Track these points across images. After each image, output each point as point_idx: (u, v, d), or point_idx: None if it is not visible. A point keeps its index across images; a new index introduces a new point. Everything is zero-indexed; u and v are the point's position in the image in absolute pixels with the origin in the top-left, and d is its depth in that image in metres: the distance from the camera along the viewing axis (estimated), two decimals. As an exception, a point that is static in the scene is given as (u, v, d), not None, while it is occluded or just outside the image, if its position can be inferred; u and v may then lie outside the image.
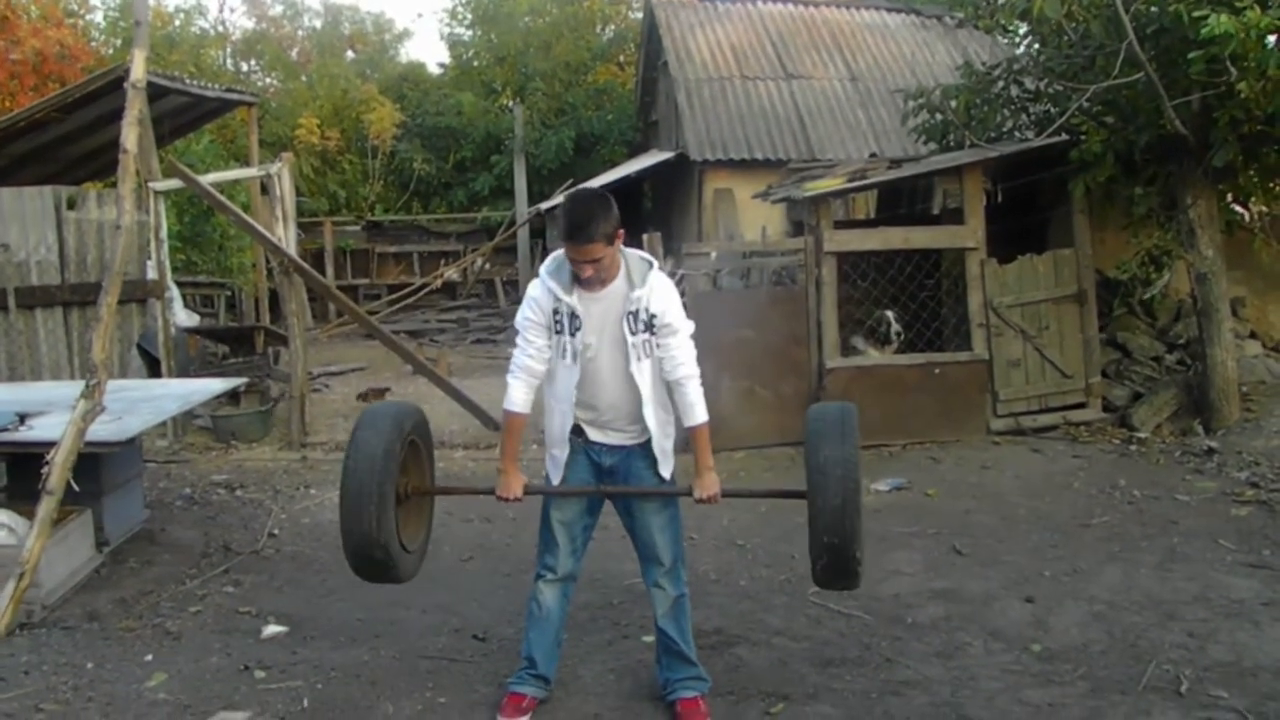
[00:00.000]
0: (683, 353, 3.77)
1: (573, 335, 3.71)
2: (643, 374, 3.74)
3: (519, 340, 3.83)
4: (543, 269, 3.80)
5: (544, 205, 17.59)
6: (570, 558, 3.93)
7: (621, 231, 3.65)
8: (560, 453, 3.86)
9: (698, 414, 3.80)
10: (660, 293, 3.71)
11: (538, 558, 3.99)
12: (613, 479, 3.86)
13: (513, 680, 3.99)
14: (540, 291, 3.76)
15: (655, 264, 3.79)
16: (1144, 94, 7.70)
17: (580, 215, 3.56)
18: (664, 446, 3.88)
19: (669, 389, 3.81)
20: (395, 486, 3.71)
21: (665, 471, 3.89)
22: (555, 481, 3.91)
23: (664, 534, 3.88)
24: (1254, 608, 4.85)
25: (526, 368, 3.79)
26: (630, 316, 3.70)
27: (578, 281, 3.66)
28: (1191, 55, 6.94)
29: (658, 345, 3.74)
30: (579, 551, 3.97)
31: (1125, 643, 4.51)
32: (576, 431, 3.84)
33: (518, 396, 3.80)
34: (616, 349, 3.72)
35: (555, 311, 3.73)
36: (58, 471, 4.66)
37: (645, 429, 3.80)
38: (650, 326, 3.72)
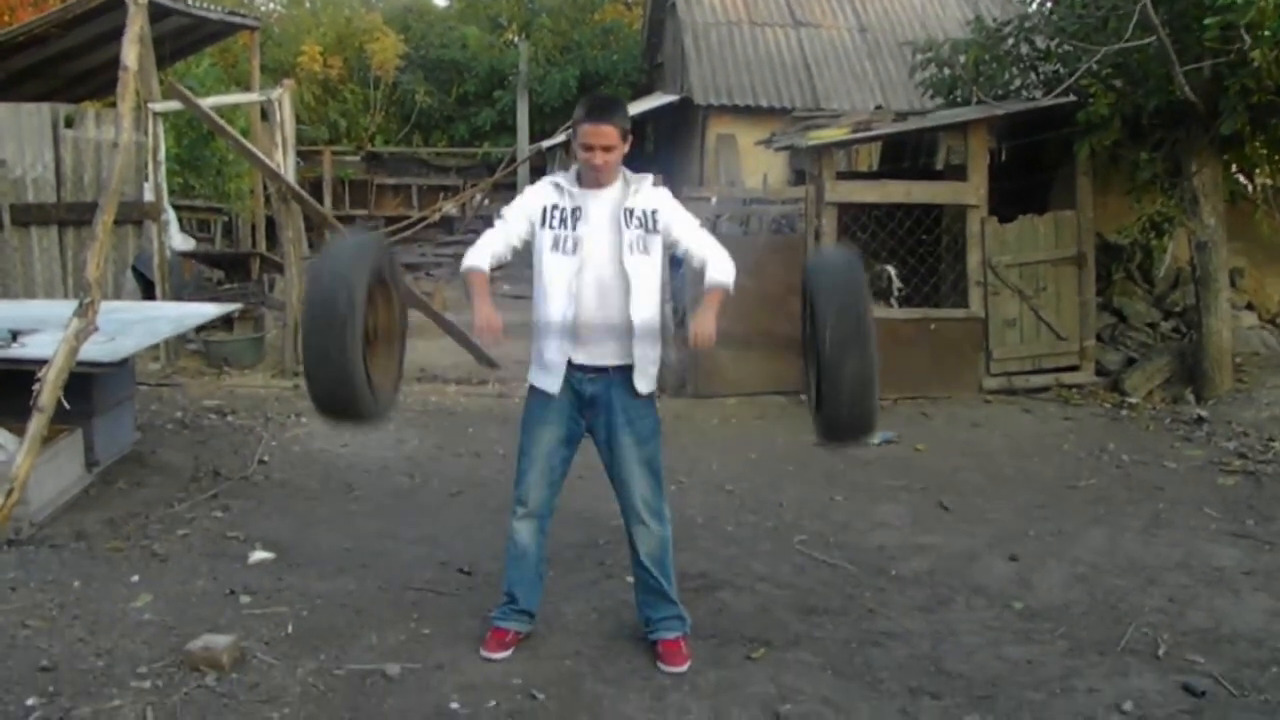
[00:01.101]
0: (709, 239, 3.87)
1: (573, 228, 3.73)
2: (635, 269, 3.71)
3: (495, 223, 3.84)
4: (546, 177, 3.89)
5: (545, 143, 17.46)
6: (545, 489, 3.89)
7: (631, 137, 3.77)
8: (552, 357, 3.76)
9: (722, 276, 3.78)
10: (660, 195, 3.81)
11: (514, 489, 3.95)
12: (594, 408, 3.81)
13: (495, 615, 4.00)
14: (540, 189, 3.85)
15: (654, 178, 3.87)
16: (1155, 58, 7.62)
17: (603, 99, 3.88)
18: (647, 369, 3.81)
19: (701, 268, 3.80)
20: (363, 322, 3.37)
21: (643, 387, 3.80)
22: (547, 387, 3.81)
23: (644, 468, 3.83)
24: (1235, 576, 4.89)
25: (489, 244, 3.80)
26: (625, 213, 3.74)
27: (579, 181, 3.77)
28: (1206, 21, 6.86)
29: (680, 241, 3.80)
30: (555, 485, 3.93)
31: (1106, 605, 4.55)
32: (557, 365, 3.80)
33: (477, 257, 3.77)
34: (611, 246, 3.71)
35: (555, 208, 3.76)
36: (49, 389, 4.65)
37: (629, 349, 3.73)
38: (646, 224, 3.75)
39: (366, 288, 3.36)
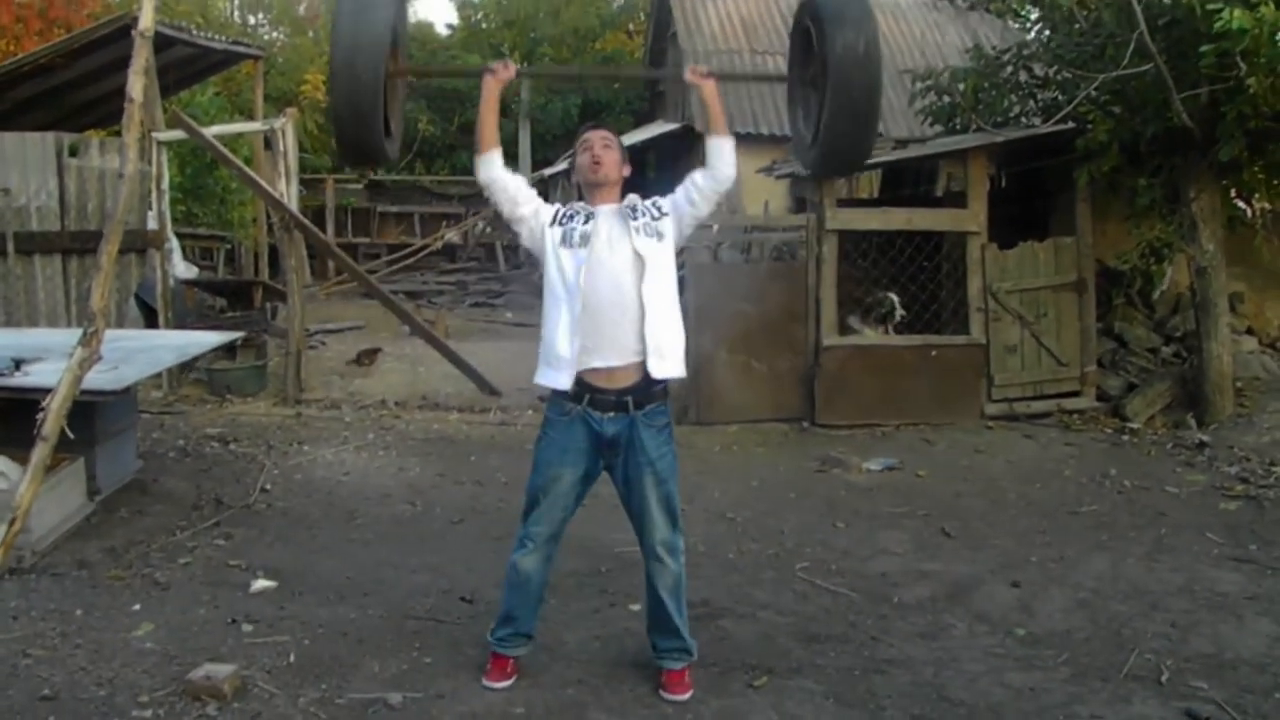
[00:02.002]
0: None
1: (583, 223, 3.76)
2: (648, 250, 3.71)
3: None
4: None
5: (547, 171, 17.52)
6: (556, 525, 3.87)
7: (629, 168, 3.89)
8: (562, 352, 3.73)
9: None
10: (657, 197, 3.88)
11: (521, 523, 3.90)
12: (614, 448, 3.75)
13: (494, 643, 3.94)
14: (553, 205, 3.92)
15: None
16: (1152, 85, 7.66)
17: (598, 123, 4.03)
18: (664, 355, 3.71)
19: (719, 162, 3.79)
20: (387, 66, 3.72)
21: (659, 371, 3.70)
22: (557, 385, 3.78)
23: (662, 507, 3.79)
24: (1237, 601, 4.87)
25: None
26: (629, 209, 3.79)
27: (580, 197, 3.89)
28: (1203, 49, 6.90)
29: (684, 185, 3.82)
30: (566, 520, 3.91)
31: (1109, 631, 4.54)
32: (575, 397, 3.74)
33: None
34: (620, 238, 3.72)
35: (566, 213, 3.81)
36: (52, 418, 4.67)
37: (645, 347, 3.66)
38: (652, 212, 3.79)
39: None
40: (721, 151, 3.76)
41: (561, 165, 15.72)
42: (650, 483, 3.77)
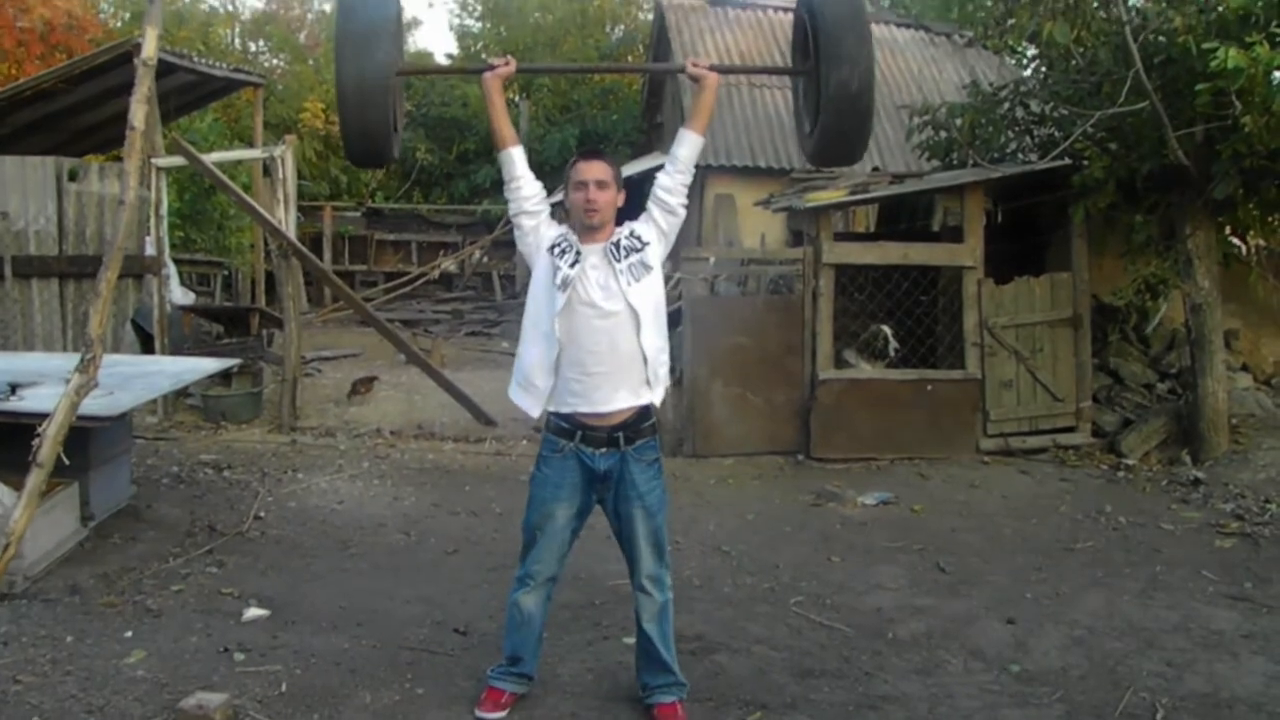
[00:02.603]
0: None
1: (570, 266, 3.72)
2: (640, 300, 3.70)
3: None
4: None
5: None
6: (555, 563, 3.90)
7: (623, 195, 3.86)
8: (544, 384, 3.78)
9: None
10: (637, 221, 3.85)
11: (520, 562, 3.93)
12: (605, 483, 3.80)
13: (493, 675, 3.97)
14: (557, 227, 3.90)
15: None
16: (1148, 123, 7.72)
17: (595, 147, 4.04)
18: (659, 388, 3.80)
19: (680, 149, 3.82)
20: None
21: (656, 398, 3.80)
22: (526, 407, 3.86)
23: (649, 542, 3.84)
24: (1233, 639, 4.86)
25: None
26: (613, 247, 3.75)
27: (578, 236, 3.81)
28: (1198, 87, 6.96)
29: (658, 193, 3.81)
30: (565, 555, 3.94)
31: (1104, 668, 4.53)
32: (567, 434, 3.79)
33: None
34: (612, 295, 3.70)
35: (564, 244, 3.79)
36: (48, 444, 4.65)
37: (649, 389, 3.74)
38: (634, 244, 3.76)
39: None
40: (690, 145, 3.81)
41: (558, 196, 15.74)
42: (640, 517, 3.81)
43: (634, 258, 3.74)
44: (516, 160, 3.87)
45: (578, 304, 3.70)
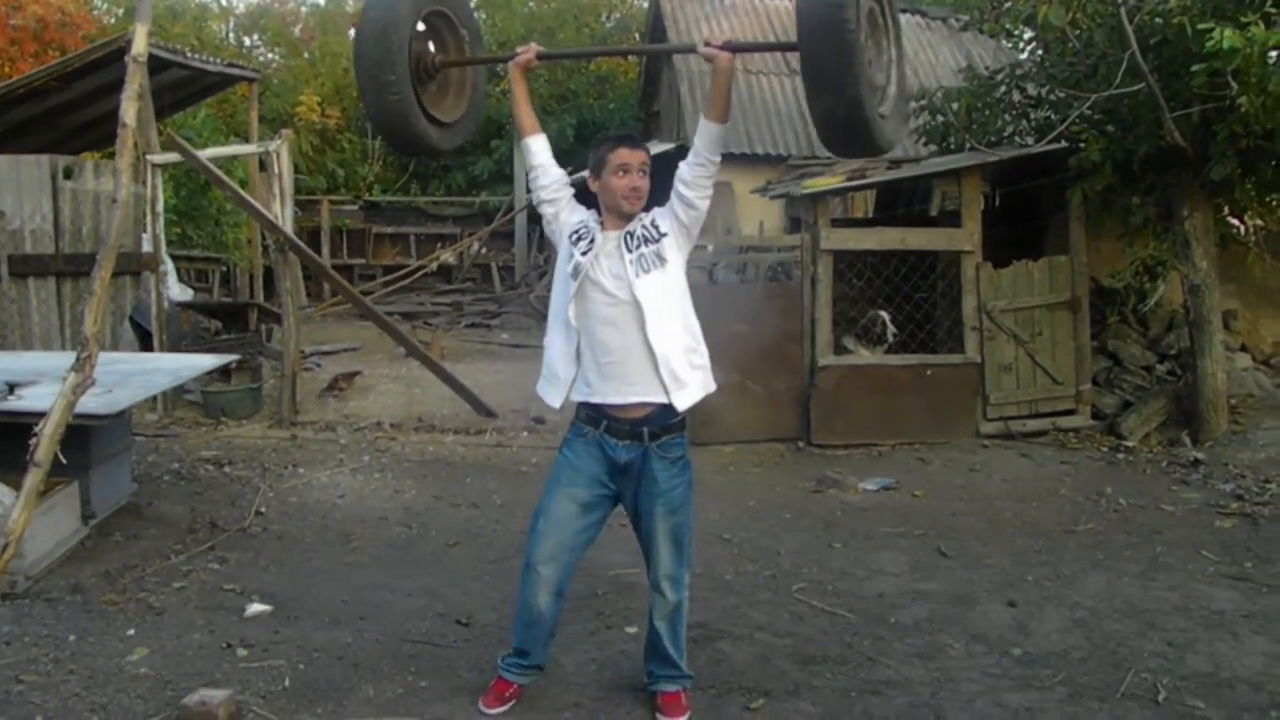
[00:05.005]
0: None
1: (584, 254, 3.66)
2: (646, 293, 3.61)
3: None
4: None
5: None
6: (561, 552, 3.77)
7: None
8: (565, 374, 3.71)
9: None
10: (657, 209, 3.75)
11: (527, 548, 3.83)
12: (625, 476, 3.72)
13: (503, 666, 3.90)
14: (585, 211, 3.83)
15: None
16: (1144, 104, 7.71)
17: (633, 134, 3.88)
18: (683, 389, 3.66)
19: (698, 139, 3.66)
20: (410, 52, 3.84)
21: (683, 402, 3.66)
22: (549, 399, 3.79)
23: (669, 539, 3.77)
24: (1234, 619, 4.87)
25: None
26: (627, 237, 3.67)
27: (602, 225, 3.74)
28: (1194, 68, 6.95)
29: (680, 188, 3.67)
30: (577, 552, 3.83)
31: (1105, 650, 4.53)
32: (594, 422, 3.72)
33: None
34: (619, 285, 3.63)
35: (585, 230, 3.73)
36: (45, 444, 4.65)
37: (663, 386, 3.62)
38: (650, 236, 3.67)
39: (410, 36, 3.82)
40: (711, 134, 3.62)
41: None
42: (660, 514, 3.73)
43: (647, 249, 3.66)
44: (534, 149, 3.85)
45: (590, 289, 3.65)
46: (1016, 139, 9.47)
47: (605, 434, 3.71)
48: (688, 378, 3.68)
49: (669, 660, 3.88)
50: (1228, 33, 6.56)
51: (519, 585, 3.86)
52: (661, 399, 3.65)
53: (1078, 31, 8.07)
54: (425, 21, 4.00)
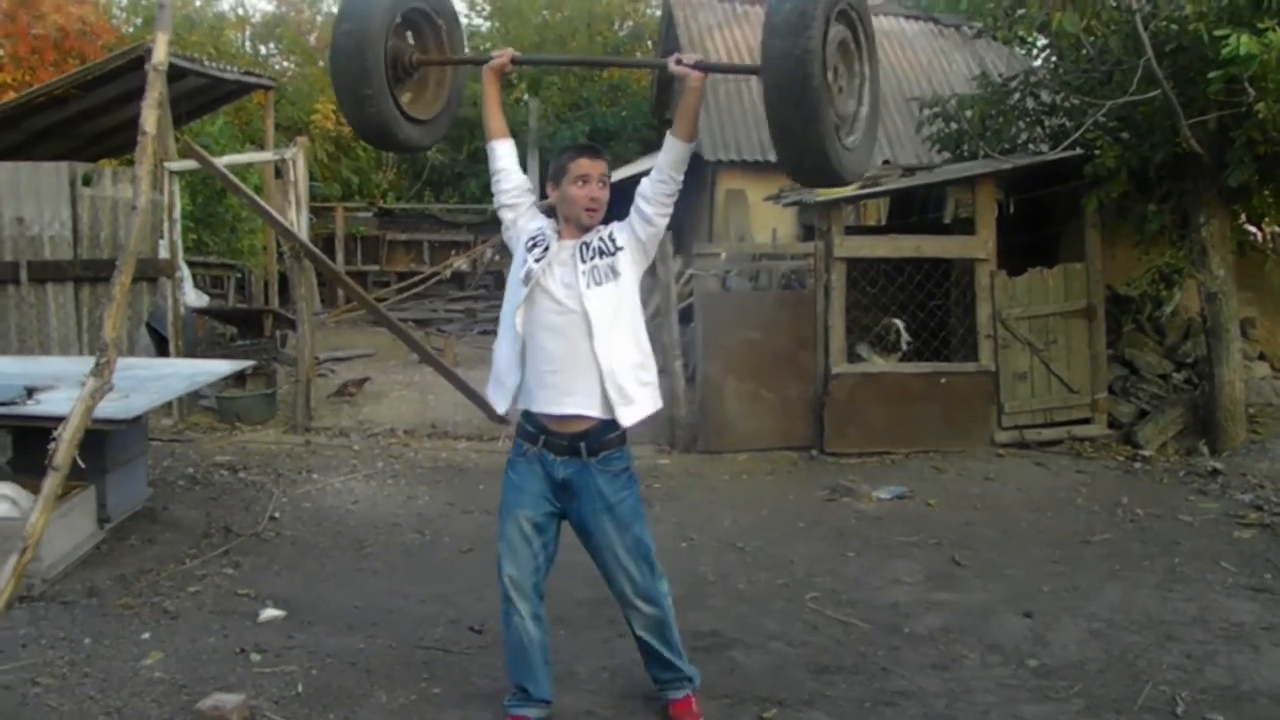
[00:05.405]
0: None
1: (538, 261, 3.60)
2: (595, 306, 3.53)
3: None
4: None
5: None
6: (528, 573, 3.67)
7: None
8: (510, 379, 3.65)
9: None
10: (616, 224, 3.70)
11: (497, 571, 3.73)
12: (568, 493, 3.64)
13: (510, 704, 3.79)
14: (543, 219, 3.79)
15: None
16: (1160, 111, 7.68)
17: (594, 144, 3.80)
18: (626, 404, 3.56)
19: (662, 155, 3.58)
20: (387, 57, 3.80)
21: (626, 419, 3.56)
22: (497, 402, 3.74)
23: (630, 554, 3.66)
24: (1254, 631, 4.83)
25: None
26: (582, 248, 3.61)
27: (559, 234, 3.70)
28: (1210, 75, 6.92)
29: (640, 203, 3.61)
30: (541, 570, 3.72)
31: (1123, 661, 4.50)
32: (532, 438, 3.65)
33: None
34: (569, 296, 3.56)
35: (541, 238, 3.67)
36: (65, 448, 4.65)
37: (607, 401, 3.53)
38: (605, 248, 3.61)
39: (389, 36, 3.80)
40: (675, 152, 3.55)
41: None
42: (610, 529, 3.63)
43: (601, 261, 3.59)
44: (499, 153, 3.83)
45: (539, 296, 3.58)
46: (1031, 146, 9.45)
47: (544, 449, 3.62)
48: (635, 394, 3.59)
49: (668, 664, 3.82)
50: (1244, 38, 6.54)
51: (501, 614, 3.77)
52: (601, 414, 3.56)
53: (1092, 38, 8.05)
54: (402, 17, 3.93)
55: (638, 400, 3.60)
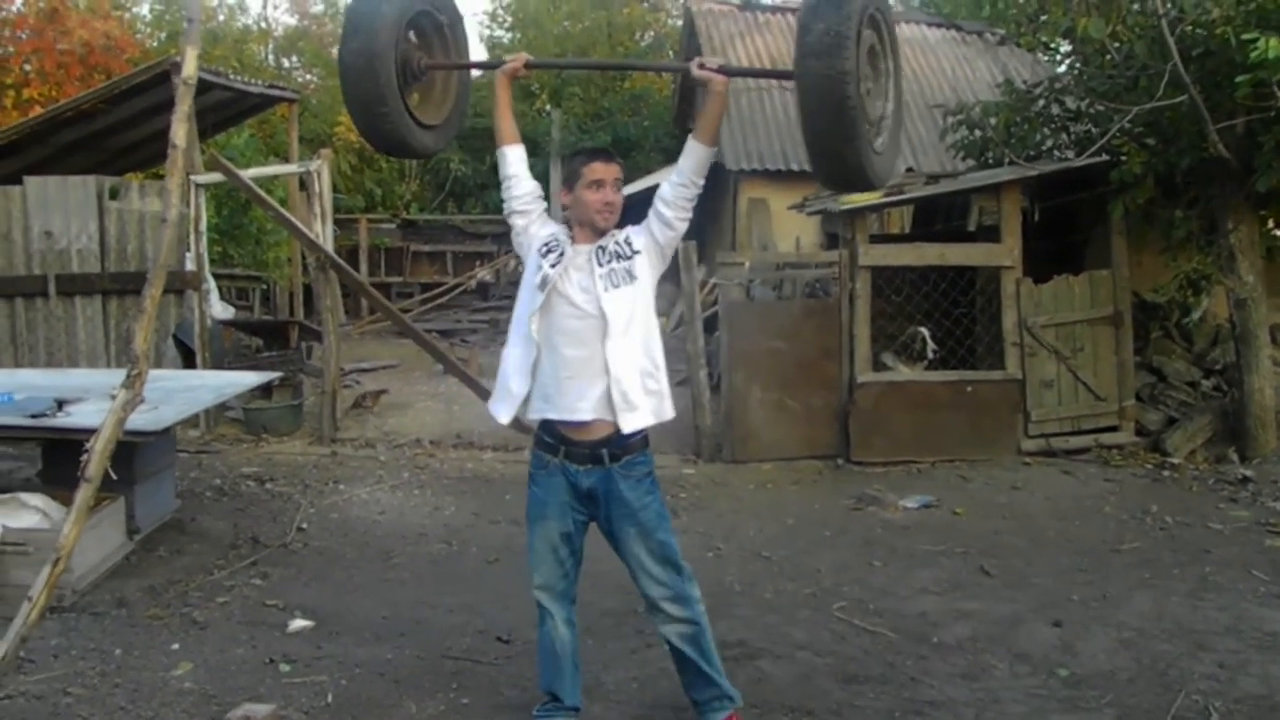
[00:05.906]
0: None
1: (553, 266, 3.59)
2: (613, 308, 3.51)
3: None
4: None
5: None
6: (558, 579, 3.71)
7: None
8: (519, 388, 3.63)
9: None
10: (632, 227, 3.68)
11: (531, 576, 3.77)
12: (592, 501, 3.62)
13: (539, 715, 3.82)
14: (555, 225, 3.78)
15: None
16: (1187, 116, 7.62)
17: (607, 149, 3.81)
18: (634, 410, 3.54)
19: (684, 159, 3.59)
20: (398, 56, 3.76)
21: (629, 425, 3.53)
22: (498, 415, 3.70)
23: (655, 559, 3.64)
24: (1286, 640, 4.79)
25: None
26: (599, 251, 3.60)
27: (572, 238, 3.67)
28: (1238, 79, 6.87)
29: (660, 206, 3.60)
30: (571, 576, 3.75)
31: (1154, 671, 4.46)
32: (551, 449, 3.65)
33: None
34: (586, 298, 3.54)
35: (554, 243, 3.65)
36: (97, 460, 4.68)
37: (612, 406, 3.51)
38: (622, 252, 3.59)
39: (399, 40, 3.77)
40: (697, 156, 3.55)
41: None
42: (635, 535, 3.62)
43: (618, 264, 3.58)
44: (510, 159, 3.81)
45: (556, 301, 3.57)
46: (1056, 153, 9.40)
47: (566, 460, 3.61)
48: (639, 401, 3.55)
49: (707, 681, 3.75)
50: (1273, 42, 6.49)
51: (538, 622, 3.79)
52: (615, 421, 3.54)
53: (1118, 44, 8.00)
54: (408, 24, 3.90)
55: (641, 407, 3.56)
